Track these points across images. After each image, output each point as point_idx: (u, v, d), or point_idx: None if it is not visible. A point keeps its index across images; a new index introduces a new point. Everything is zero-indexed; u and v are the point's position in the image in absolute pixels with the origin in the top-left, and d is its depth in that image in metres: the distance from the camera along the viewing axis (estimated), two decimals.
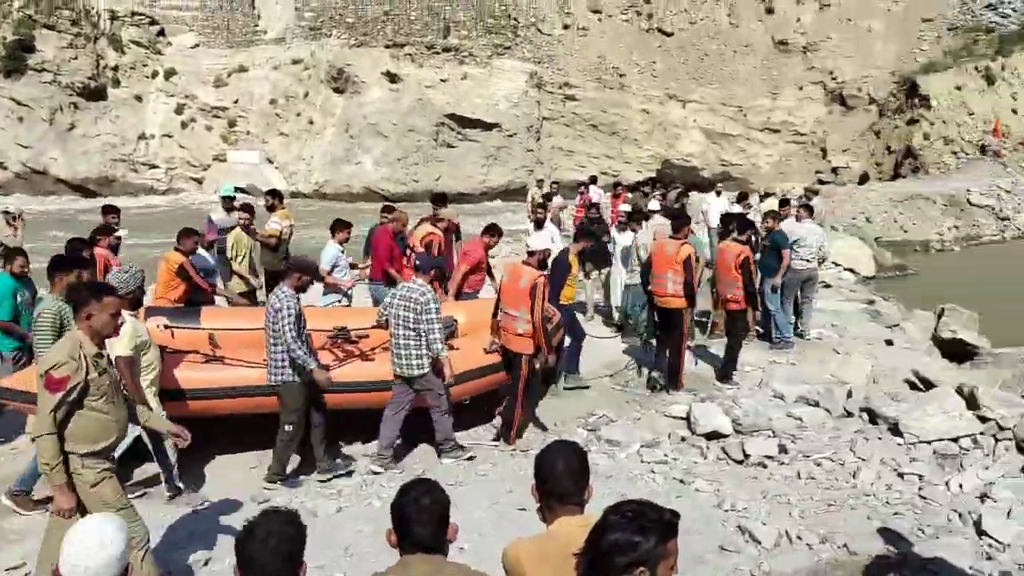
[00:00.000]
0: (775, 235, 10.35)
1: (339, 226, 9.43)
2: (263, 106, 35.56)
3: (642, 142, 37.99)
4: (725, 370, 9.10)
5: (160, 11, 37.44)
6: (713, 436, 7.27)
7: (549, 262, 7.84)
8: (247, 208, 10.11)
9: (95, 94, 34.01)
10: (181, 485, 6.16)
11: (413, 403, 6.86)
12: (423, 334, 6.59)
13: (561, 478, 2.69)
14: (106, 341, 4.52)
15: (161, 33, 37.23)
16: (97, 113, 33.89)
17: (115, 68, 35.15)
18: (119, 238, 9.13)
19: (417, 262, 7.53)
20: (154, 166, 34.80)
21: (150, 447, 6.05)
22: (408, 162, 34.42)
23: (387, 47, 36.87)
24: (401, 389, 6.81)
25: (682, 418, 7.70)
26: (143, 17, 36.59)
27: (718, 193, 16.82)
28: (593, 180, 17.99)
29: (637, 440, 7.35)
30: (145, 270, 6.12)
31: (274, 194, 11.11)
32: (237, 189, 12.10)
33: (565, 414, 8.23)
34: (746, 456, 6.81)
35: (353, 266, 9.70)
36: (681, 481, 6.45)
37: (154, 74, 35.76)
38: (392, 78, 35.38)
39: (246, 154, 34.99)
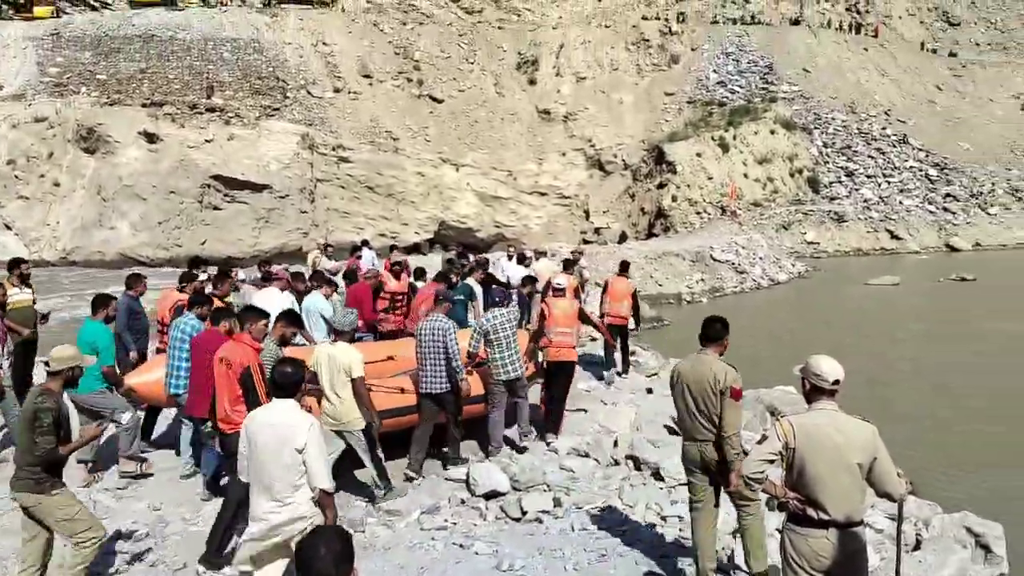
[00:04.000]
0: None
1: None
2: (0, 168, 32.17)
3: (419, 204, 38.51)
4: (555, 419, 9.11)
5: None
6: (492, 495, 7.32)
7: None
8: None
9: None
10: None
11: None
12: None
13: (323, 563, 2.58)
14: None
15: None
16: None
17: None
18: None
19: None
20: None
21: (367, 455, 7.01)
22: (170, 226, 32.44)
23: (144, 106, 34.85)
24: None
25: (462, 480, 7.68)
26: None
27: (510, 257, 16.25)
28: (365, 243, 17.85)
29: (417, 507, 7.23)
30: None
31: (17, 263, 10.01)
32: None
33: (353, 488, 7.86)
34: (523, 513, 6.90)
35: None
36: (460, 546, 6.39)
37: None
38: (151, 138, 33.40)
39: None
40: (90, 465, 7.59)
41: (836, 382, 4.12)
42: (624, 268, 12.58)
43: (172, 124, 34.54)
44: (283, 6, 44.45)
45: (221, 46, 39.69)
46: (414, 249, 19.70)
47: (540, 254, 16.48)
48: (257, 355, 6.02)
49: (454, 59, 44.10)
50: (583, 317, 10.12)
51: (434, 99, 41.74)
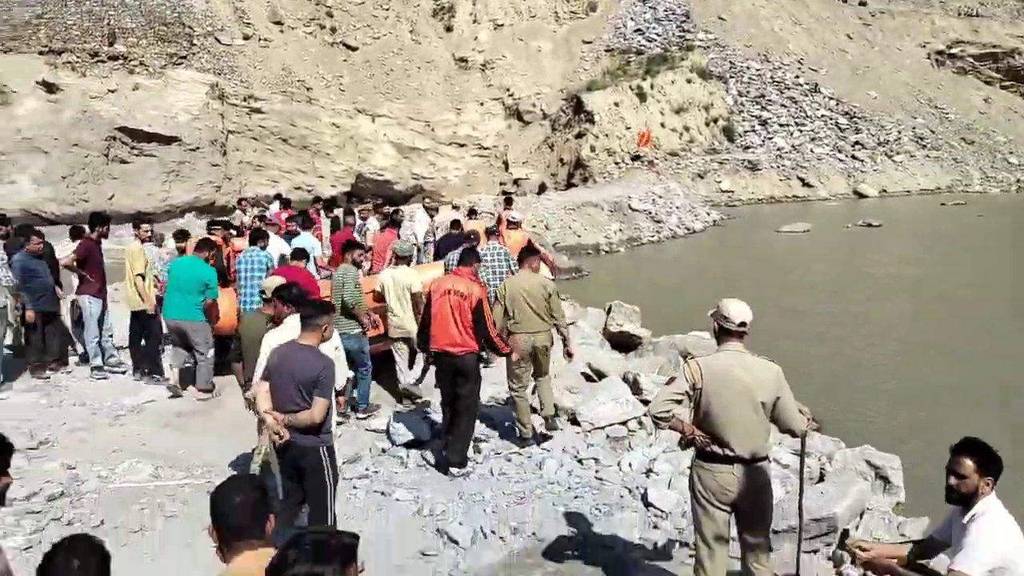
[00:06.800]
0: None
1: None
2: None
3: (335, 156, 37.66)
4: None
5: None
6: (413, 444, 7.38)
7: None
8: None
9: None
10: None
11: None
12: None
13: (237, 512, 2.57)
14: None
15: None
16: None
17: None
18: None
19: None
20: None
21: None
22: (75, 180, 30.88)
23: (41, 54, 32.85)
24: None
25: (382, 430, 7.72)
26: None
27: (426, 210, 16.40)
28: (278, 197, 17.46)
29: (340, 457, 7.24)
30: None
31: None
32: None
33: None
34: (444, 463, 6.99)
35: None
36: (382, 493, 6.47)
37: None
38: (50, 88, 31.56)
39: None
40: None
41: (742, 324, 4.25)
42: (515, 224, 12.44)
43: (73, 73, 32.66)
44: None
45: None
46: (331, 203, 19.27)
47: (472, 213, 16.59)
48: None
49: (368, 5, 42.86)
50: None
51: (348, 47, 40.63)
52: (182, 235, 10.84)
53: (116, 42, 34.96)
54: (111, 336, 9.89)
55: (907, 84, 52.83)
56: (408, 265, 8.45)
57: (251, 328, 6.35)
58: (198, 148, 33.29)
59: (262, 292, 6.70)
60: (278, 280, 6.56)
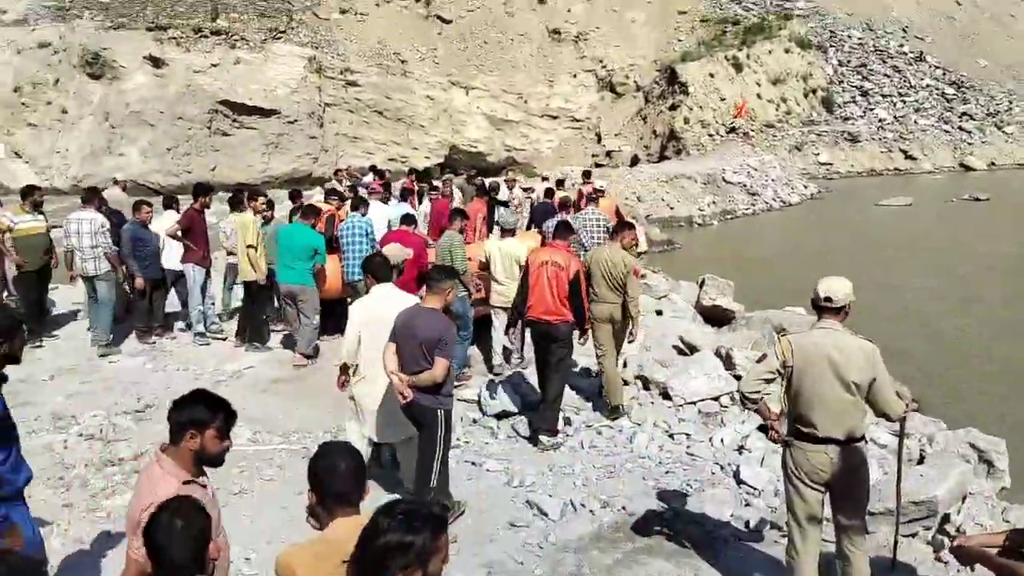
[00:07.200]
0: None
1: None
2: (6, 95, 31.86)
3: (428, 128, 38.11)
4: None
5: None
6: (503, 415, 7.51)
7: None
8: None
9: None
10: None
11: None
12: None
13: (342, 478, 2.67)
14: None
15: None
16: None
17: None
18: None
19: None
20: None
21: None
22: (179, 152, 32.30)
23: (149, 30, 34.26)
24: None
25: (474, 400, 7.87)
26: None
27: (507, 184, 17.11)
28: (373, 168, 17.85)
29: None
30: None
31: (32, 190, 10.10)
32: None
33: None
34: (534, 431, 7.10)
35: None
36: (472, 463, 6.60)
37: None
38: (156, 63, 32.96)
39: None
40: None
41: (827, 299, 4.13)
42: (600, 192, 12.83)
43: (177, 48, 34.00)
44: None
45: None
46: (425, 174, 19.66)
47: (559, 182, 16.94)
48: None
49: None
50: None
51: (442, 19, 40.84)
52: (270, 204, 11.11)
53: (219, 17, 36.13)
54: (213, 303, 10.26)
55: (1021, 52, 49.56)
56: (513, 236, 8.56)
57: None
58: (296, 121, 34.25)
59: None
60: (396, 248, 6.66)
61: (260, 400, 8.11)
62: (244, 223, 9.56)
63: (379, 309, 5.46)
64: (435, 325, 5.00)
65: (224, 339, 10.05)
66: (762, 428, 4.47)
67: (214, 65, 33.80)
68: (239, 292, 10.48)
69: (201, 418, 2.93)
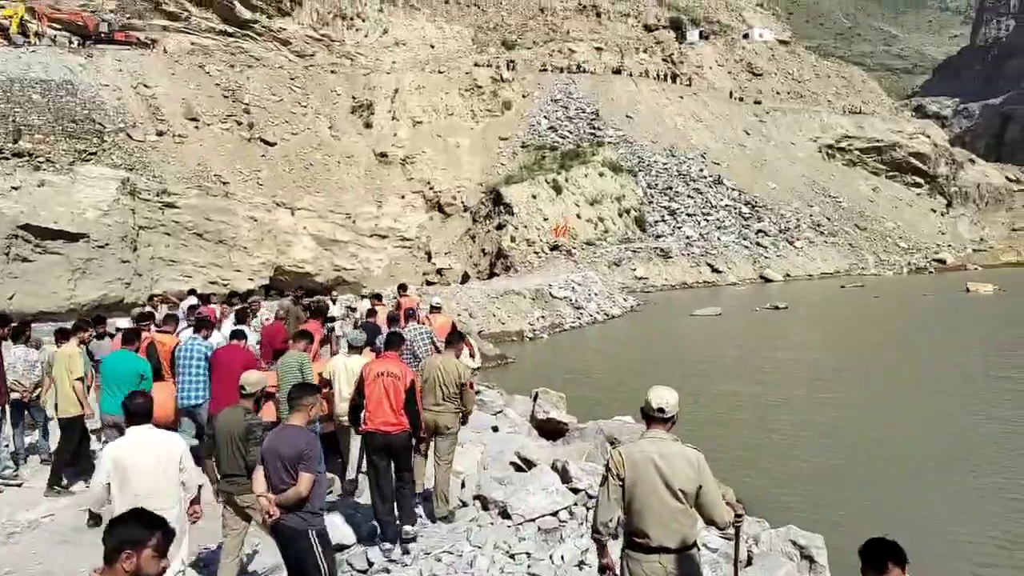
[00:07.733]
0: None
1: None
2: None
3: (252, 250, 37.19)
4: None
5: None
6: (338, 548, 7.10)
7: None
8: None
9: None
10: None
11: None
12: None
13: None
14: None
15: None
16: None
17: None
18: None
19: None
20: None
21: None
22: None
23: None
24: None
25: None
26: None
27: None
28: (192, 292, 17.11)
29: (260, 566, 6.91)
30: None
31: None
32: None
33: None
34: (370, 564, 6.74)
35: None
36: None
37: None
38: None
39: None
40: None
41: (660, 410, 4.20)
42: (437, 308, 12.39)
43: None
44: (99, 47, 42.05)
45: (30, 88, 36.89)
46: (248, 296, 19.00)
47: (377, 296, 16.70)
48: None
49: (286, 102, 43.25)
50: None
51: (266, 142, 40.70)
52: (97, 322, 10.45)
53: (21, 139, 34.15)
54: (6, 445, 9.27)
55: (802, 175, 56.06)
56: (360, 354, 8.48)
57: (225, 423, 6.08)
58: (107, 244, 32.41)
59: (242, 387, 6.47)
60: (257, 376, 6.32)
61: (60, 551, 7.25)
62: (70, 355, 8.82)
63: (129, 455, 4.93)
64: (296, 441, 4.92)
65: (19, 485, 8.98)
66: (601, 570, 4.45)
67: (15, 188, 31.66)
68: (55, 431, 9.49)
69: (138, 537, 2.82)
